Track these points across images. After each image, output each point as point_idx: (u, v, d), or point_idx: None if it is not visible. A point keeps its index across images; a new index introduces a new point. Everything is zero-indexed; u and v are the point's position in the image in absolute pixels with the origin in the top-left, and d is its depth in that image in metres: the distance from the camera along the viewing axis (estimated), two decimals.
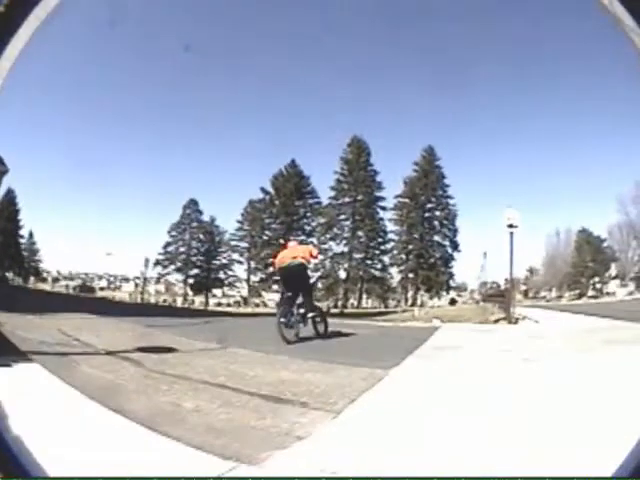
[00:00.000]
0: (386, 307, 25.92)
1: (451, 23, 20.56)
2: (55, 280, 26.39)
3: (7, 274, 23.51)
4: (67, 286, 26.21)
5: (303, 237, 25.37)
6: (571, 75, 19.22)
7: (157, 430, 2.61)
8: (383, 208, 25.59)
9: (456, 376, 3.96)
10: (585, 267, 25.36)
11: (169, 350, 5.01)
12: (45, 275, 26.12)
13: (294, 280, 6.89)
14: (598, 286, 25.34)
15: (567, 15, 15.21)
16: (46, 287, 24.99)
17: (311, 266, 7.94)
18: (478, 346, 6.14)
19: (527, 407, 3.02)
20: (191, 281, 26.49)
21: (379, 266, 25.88)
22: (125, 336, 6.04)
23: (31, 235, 24.64)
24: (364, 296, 26.89)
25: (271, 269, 18.04)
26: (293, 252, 7.23)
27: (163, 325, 8.03)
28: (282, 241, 12.32)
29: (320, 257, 19.94)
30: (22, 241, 24.51)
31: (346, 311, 21.40)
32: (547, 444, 2.28)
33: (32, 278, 25.28)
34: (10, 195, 21.82)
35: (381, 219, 25.62)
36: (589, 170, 22.77)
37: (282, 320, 6.42)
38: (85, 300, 18.46)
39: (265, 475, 1.98)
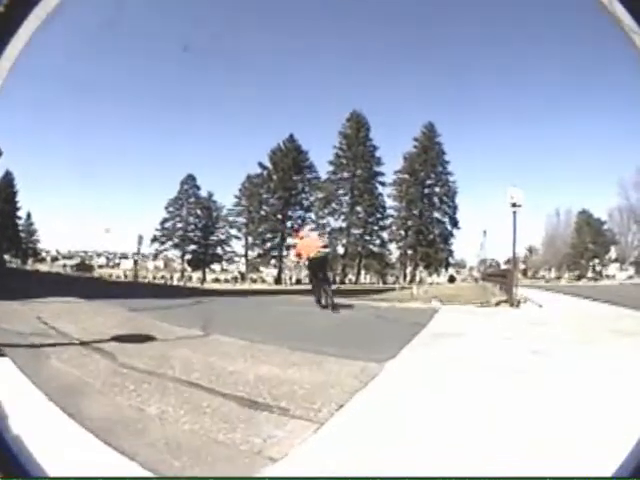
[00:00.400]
0: (384, 283, 25.73)
1: (452, 7, 19.96)
2: (54, 259, 26.15)
3: (5, 256, 23.24)
4: (64, 265, 25.97)
5: (301, 212, 25.01)
6: (574, 60, 18.69)
7: (111, 443, 2.27)
8: (382, 184, 25.07)
9: (459, 370, 3.60)
10: (585, 249, 25.07)
11: (146, 339, 4.65)
12: (44, 255, 25.89)
13: (325, 265, 8.22)
14: (598, 268, 25.05)
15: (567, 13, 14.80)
16: (44, 267, 24.76)
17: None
18: (481, 334, 5.80)
19: (533, 407, 2.75)
20: (189, 257, 26.20)
21: (378, 242, 25.58)
22: (105, 323, 5.67)
23: (29, 216, 24.32)
24: (362, 272, 26.68)
25: (293, 258, 17.79)
26: (317, 241, 8.50)
27: (150, 308, 7.66)
28: (297, 233, 12.50)
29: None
30: (20, 222, 24.22)
31: (343, 287, 21.08)
32: (548, 445, 2.17)
33: (30, 259, 25.09)
34: (8, 177, 21.39)
35: (380, 195, 25.15)
36: (590, 151, 22.30)
37: (318, 299, 7.87)
38: (77, 281, 18.12)
39: None
